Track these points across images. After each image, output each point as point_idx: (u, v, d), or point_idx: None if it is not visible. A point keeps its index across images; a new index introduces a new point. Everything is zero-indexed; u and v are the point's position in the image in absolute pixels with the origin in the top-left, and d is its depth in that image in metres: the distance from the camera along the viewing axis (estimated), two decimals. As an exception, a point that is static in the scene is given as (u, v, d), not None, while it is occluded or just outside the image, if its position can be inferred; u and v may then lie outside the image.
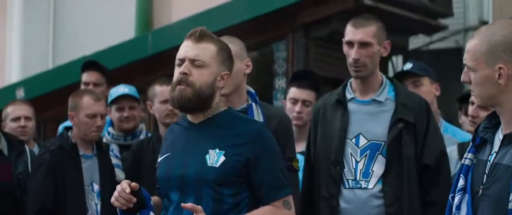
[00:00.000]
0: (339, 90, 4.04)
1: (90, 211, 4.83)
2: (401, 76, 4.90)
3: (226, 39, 3.73)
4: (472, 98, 2.96)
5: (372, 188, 3.86)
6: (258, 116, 3.75)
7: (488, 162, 2.84)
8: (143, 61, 7.93)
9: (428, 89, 4.83)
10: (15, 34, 11.23)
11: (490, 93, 2.82)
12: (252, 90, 3.87)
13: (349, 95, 4.02)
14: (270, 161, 3.20)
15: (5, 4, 11.51)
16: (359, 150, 3.90)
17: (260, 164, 3.18)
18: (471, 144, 2.95)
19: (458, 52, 11.05)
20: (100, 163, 4.94)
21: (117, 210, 3.21)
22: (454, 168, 4.19)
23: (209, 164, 3.15)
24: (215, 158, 3.16)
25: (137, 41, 8.60)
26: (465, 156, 2.92)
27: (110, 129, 5.51)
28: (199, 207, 3.06)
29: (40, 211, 4.72)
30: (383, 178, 3.86)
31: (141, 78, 7.72)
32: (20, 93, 8.82)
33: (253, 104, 3.79)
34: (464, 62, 2.86)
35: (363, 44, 3.91)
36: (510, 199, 2.69)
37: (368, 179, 3.87)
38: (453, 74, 6.20)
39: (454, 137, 4.81)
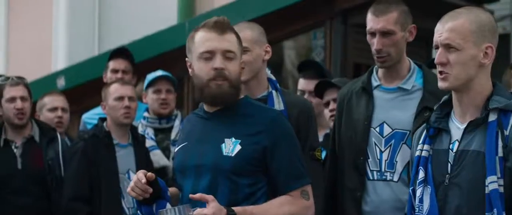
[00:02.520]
0: (364, 78, 3.90)
1: (125, 199, 4.87)
2: (434, 64, 4.76)
3: (244, 24, 3.69)
4: (440, 84, 2.87)
5: (397, 181, 3.73)
6: (278, 103, 3.68)
7: (450, 150, 2.79)
8: (181, 49, 7.87)
9: None
10: (61, 24, 11.30)
11: (469, 75, 2.80)
12: (273, 78, 3.79)
13: (374, 82, 3.86)
14: (287, 150, 3.13)
15: (51, -6, 11.62)
16: (383, 140, 3.76)
17: (276, 153, 3.11)
18: (425, 134, 2.89)
19: (505, 38, 10.79)
20: (136, 152, 4.98)
21: (134, 200, 3.19)
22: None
23: (224, 153, 3.10)
24: (231, 147, 3.11)
25: (174, 29, 8.55)
26: (419, 148, 2.89)
27: (146, 114, 5.55)
28: (210, 196, 3.00)
29: (74, 198, 4.81)
30: (408, 168, 3.70)
31: (179, 66, 7.64)
32: (61, 82, 8.89)
33: (274, 92, 3.71)
34: (445, 42, 2.81)
35: (385, 33, 3.74)
36: (486, 184, 2.65)
37: (393, 170, 3.74)
38: (501, 61, 6.03)
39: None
